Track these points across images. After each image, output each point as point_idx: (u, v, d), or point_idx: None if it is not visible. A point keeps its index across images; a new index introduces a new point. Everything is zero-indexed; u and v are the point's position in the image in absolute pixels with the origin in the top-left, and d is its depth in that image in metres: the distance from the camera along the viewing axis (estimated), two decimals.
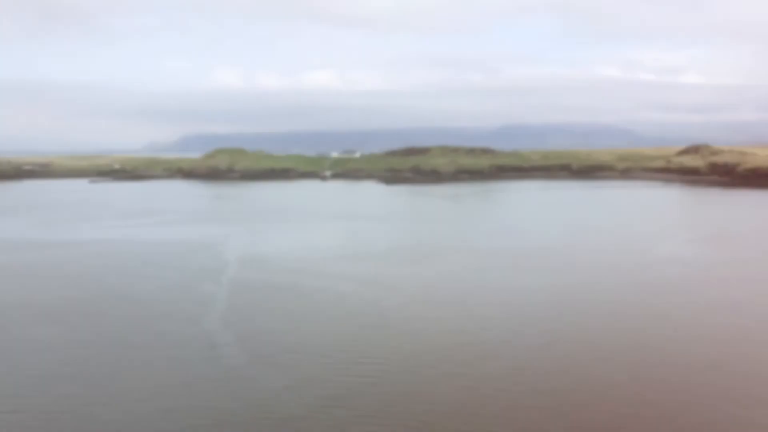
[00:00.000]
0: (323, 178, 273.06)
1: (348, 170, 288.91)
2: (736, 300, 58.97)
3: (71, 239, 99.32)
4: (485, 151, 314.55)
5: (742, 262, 77.12)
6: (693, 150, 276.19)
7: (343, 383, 39.95)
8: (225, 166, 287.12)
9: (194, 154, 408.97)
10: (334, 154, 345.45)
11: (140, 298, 61.32)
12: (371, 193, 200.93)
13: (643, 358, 43.88)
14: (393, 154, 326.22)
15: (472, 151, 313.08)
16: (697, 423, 34.50)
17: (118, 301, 60.18)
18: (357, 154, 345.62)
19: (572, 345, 46.65)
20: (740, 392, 38.32)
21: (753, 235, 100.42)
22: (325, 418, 35.27)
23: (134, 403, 37.39)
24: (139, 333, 50.27)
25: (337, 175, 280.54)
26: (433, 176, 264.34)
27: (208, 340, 48.28)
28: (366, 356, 44.78)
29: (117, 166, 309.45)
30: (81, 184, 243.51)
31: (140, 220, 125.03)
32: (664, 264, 75.79)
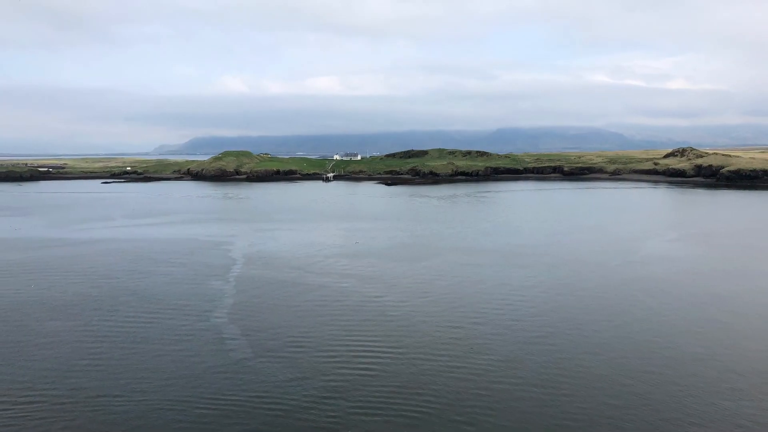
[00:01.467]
0: (326, 179, 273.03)
1: (350, 172, 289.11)
2: (720, 295, 58.99)
3: (85, 238, 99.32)
4: (481, 154, 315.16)
5: (726, 259, 77.13)
6: (679, 153, 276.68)
7: (345, 376, 39.99)
8: (232, 168, 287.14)
9: (202, 157, 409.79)
10: (337, 157, 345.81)
11: (150, 293, 61.33)
12: (372, 193, 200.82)
13: (631, 352, 43.92)
14: (393, 156, 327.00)
15: (468, 154, 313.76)
16: (683, 414, 34.52)
17: (130, 296, 60.21)
18: (358, 157, 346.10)
19: (563, 339, 46.68)
20: (725, 384, 38.36)
21: (736, 233, 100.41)
22: (327, 409, 35.31)
23: (145, 394, 37.43)
24: (149, 327, 50.30)
25: (339, 177, 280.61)
26: (431, 178, 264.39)
27: (215, 334, 48.32)
28: (366, 350, 44.83)
29: (128, 168, 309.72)
30: (94, 185, 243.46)
31: (151, 219, 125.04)
32: (652, 261, 75.81)
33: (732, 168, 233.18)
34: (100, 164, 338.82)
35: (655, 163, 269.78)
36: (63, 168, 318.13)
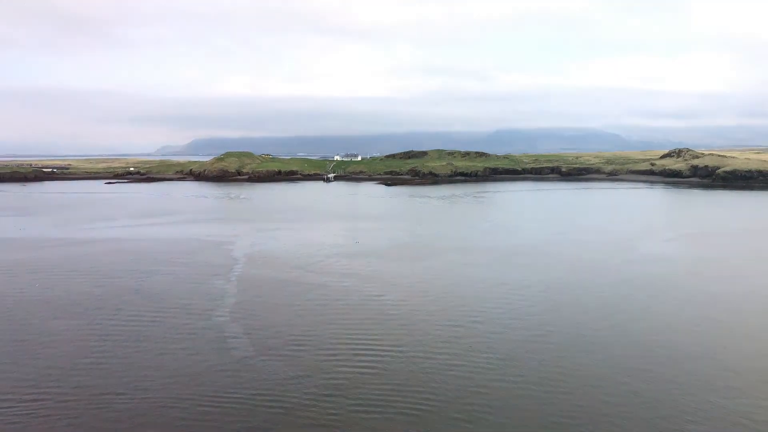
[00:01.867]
0: (327, 179, 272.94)
1: (350, 172, 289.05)
2: (716, 294, 58.96)
3: (88, 237, 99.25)
4: (479, 155, 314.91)
5: (722, 259, 77.11)
6: (676, 153, 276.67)
7: (345, 374, 39.95)
8: (234, 169, 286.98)
9: (205, 158, 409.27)
10: (337, 157, 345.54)
11: (153, 293, 61.28)
12: (372, 194, 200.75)
13: (629, 350, 43.89)
14: (392, 157, 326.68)
15: (467, 155, 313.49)
16: (679, 411, 34.49)
17: (133, 296, 60.15)
18: (359, 157, 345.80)
19: (561, 338, 46.64)
20: (721, 382, 38.33)
21: (731, 233, 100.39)
22: (328, 407, 35.27)
23: (147, 392, 37.39)
24: (152, 326, 50.26)
25: (339, 177, 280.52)
26: (431, 178, 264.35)
27: (217, 333, 48.28)
28: (367, 348, 44.78)
29: (132, 169, 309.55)
30: (98, 186, 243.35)
31: (153, 219, 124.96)
32: (649, 261, 75.77)
33: (728, 168, 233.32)
34: (104, 165, 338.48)
35: (652, 164, 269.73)
36: (67, 168, 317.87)
